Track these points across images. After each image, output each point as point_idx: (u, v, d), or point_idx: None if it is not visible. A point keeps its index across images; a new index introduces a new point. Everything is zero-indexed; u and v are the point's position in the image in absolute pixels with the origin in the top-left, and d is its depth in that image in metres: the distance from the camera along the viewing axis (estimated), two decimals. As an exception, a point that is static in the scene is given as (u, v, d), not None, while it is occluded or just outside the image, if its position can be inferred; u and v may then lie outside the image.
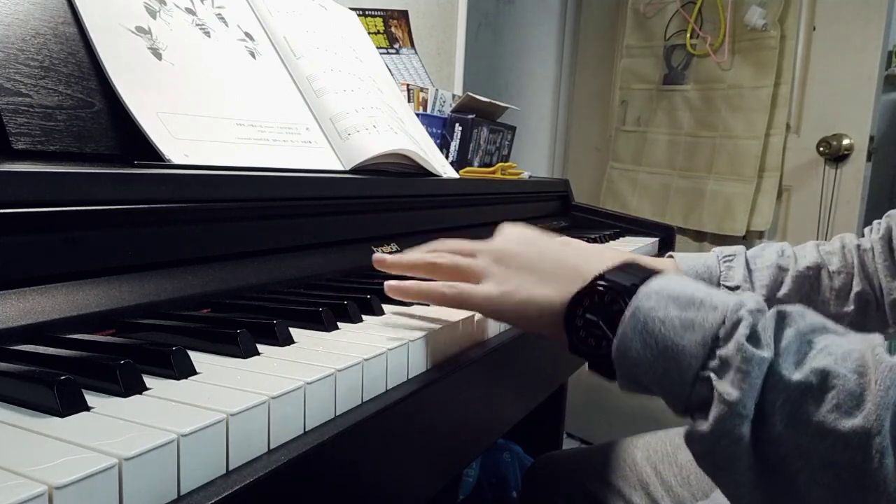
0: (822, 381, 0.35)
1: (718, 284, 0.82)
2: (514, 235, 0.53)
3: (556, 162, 2.52)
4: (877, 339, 0.37)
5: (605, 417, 2.24)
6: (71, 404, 0.31)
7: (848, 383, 0.35)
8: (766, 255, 0.83)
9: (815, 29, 1.91)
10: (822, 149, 1.89)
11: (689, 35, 2.13)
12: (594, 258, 0.48)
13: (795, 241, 0.85)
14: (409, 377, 0.47)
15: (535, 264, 0.48)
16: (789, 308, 0.39)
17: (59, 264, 0.45)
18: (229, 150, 0.65)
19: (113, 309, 0.46)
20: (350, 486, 0.40)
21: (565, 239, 0.53)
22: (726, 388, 0.36)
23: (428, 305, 0.60)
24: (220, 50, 0.73)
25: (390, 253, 0.77)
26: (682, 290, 0.41)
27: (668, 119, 2.21)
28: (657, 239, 1.33)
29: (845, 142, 1.86)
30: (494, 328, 0.61)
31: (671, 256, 0.87)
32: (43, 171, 0.44)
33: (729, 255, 0.84)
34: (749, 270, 0.82)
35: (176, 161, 0.59)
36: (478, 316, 0.57)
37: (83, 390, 0.33)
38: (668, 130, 2.21)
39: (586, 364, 0.46)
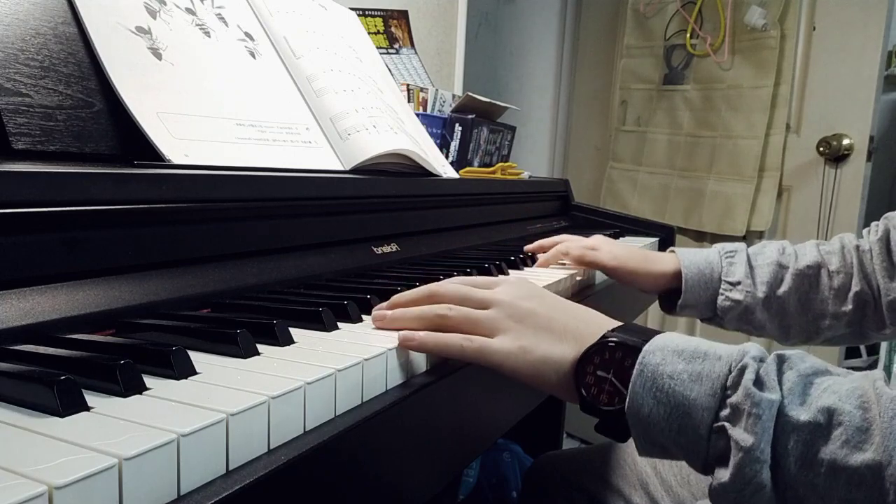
0: (829, 419, 0.36)
1: (720, 280, 0.82)
2: (521, 290, 0.52)
3: (556, 162, 2.52)
4: (877, 373, 0.38)
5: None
6: (71, 404, 0.31)
7: (854, 419, 0.36)
8: (767, 252, 0.83)
9: (814, 29, 1.91)
10: (822, 149, 1.89)
11: (689, 35, 2.13)
12: (593, 319, 0.49)
13: (795, 241, 0.86)
14: (410, 377, 0.47)
15: (548, 321, 0.49)
16: (788, 352, 0.41)
17: (59, 264, 0.44)
18: (229, 150, 0.65)
19: (113, 309, 0.46)
20: (350, 487, 0.40)
21: (554, 296, 0.52)
22: (741, 434, 0.37)
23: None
24: (220, 50, 0.73)
25: (390, 252, 0.77)
26: (686, 343, 0.42)
27: (668, 119, 2.21)
28: (657, 239, 1.33)
29: (845, 142, 1.86)
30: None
31: (673, 251, 0.87)
32: (43, 171, 0.44)
33: (731, 252, 0.84)
34: (750, 267, 0.82)
35: (176, 161, 0.59)
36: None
37: (83, 390, 0.33)
38: (668, 130, 2.21)
39: (594, 429, 0.46)
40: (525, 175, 1.38)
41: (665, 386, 0.40)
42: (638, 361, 0.42)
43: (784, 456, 0.36)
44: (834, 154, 1.87)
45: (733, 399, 0.38)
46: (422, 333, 0.48)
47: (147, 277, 0.50)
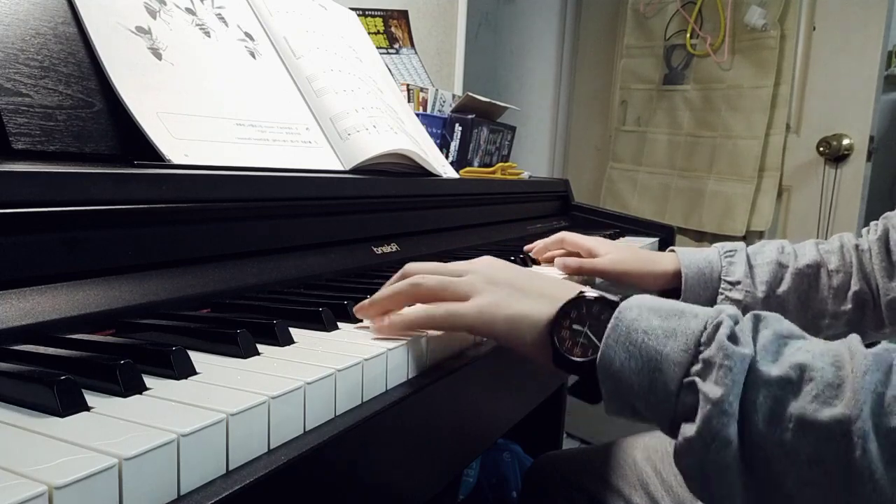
0: (801, 375, 0.35)
1: (719, 279, 0.82)
2: (493, 260, 0.52)
3: (555, 162, 2.52)
4: (854, 337, 0.38)
5: (604, 417, 2.23)
6: (71, 404, 0.31)
7: (826, 374, 0.35)
8: (767, 251, 0.83)
9: (814, 29, 1.91)
10: (821, 149, 1.89)
11: (688, 35, 2.13)
12: (570, 285, 0.49)
13: (795, 241, 0.86)
14: (409, 377, 0.47)
15: (523, 284, 0.49)
16: (765, 313, 0.40)
17: (59, 264, 0.44)
18: (229, 150, 0.65)
19: (113, 309, 0.46)
20: (350, 487, 0.40)
21: (531, 269, 0.53)
22: (710, 387, 0.36)
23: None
24: (220, 50, 0.73)
25: (390, 253, 0.78)
26: (664, 302, 0.42)
27: (668, 119, 2.21)
28: (657, 239, 1.33)
29: (845, 142, 1.86)
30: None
31: (672, 250, 0.87)
32: (43, 171, 0.44)
33: (730, 251, 0.84)
34: (750, 266, 0.82)
35: (176, 161, 0.59)
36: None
37: (83, 390, 0.33)
38: (668, 130, 2.21)
39: (568, 391, 0.46)
40: (525, 175, 1.38)
41: (639, 340, 0.40)
42: (614, 315, 0.41)
43: (752, 411, 0.36)
44: (834, 154, 1.88)
45: (705, 354, 0.37)
46: (388, 317, 0.48)
47: (147, 277, 0.50)
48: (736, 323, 0.39)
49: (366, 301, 0.51)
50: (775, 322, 0.39)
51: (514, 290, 0.48)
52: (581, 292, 0.45)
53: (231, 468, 0.32)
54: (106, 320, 0.45)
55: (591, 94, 2.44)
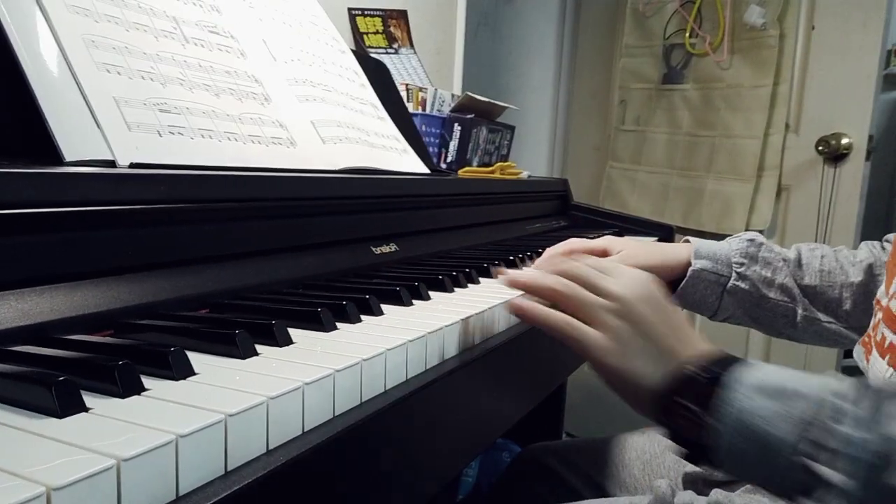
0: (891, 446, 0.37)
1: (730, 264, 0.82)
2: (640, 289, 0.51)
3: (555, 161, 2.52)
4: None
5: (604, 417, 2.24)
6: (69, 405, 0.31)
7: None
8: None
9: (814, 28, 1.91)
10: (821, 148, 1.89)
11: (688, 34, 2.13)
12: (690, 341, 0.49)
13: (794, 240, 0.86)
14: (408, 377, 0.47)
15: (653, 334, 0.49)
16: (880, 385, 0.40)
17: (57, 265, 0.44)
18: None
19: (111, 309, 0.46)
20: (350, 487, 0.40)
21: (665, 304, 0.52)
22: (826, 472, 0.38)
23: (427, 300, 0.60)
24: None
25: (388, 252, 0.78)
26: (768, 378, 0.42)
27: (667, 118, 2.21)
28: (656, 238, 1.33)
29: (844, 141, 1.86)
30: (491, 329, 0.61)
31: (687, 240, 0.87)
32: (42, 171, 0.44)
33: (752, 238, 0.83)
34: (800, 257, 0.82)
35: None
36: (474, 319, 0.57)
37: (81, 391, 0.33)
38: (667, 130, 2.21)
39: (682, 457, 0.47)
40: (524, 175, 1.38)
41: (746, 423, 0.41)
42: (719, 397, 0.42)
43: (867, 491, 0.37)
44: (833, 153, 1.87)
45: (814, 435, 0.39)
46: (530, 304, 0.50)
47: (145, 278, 0.50)
48: (844, 398, 0.39)
49: (512, 273, 0.54)
50: (876, 393, 0.40)
51: (640, 337, 0.48)
52: (695, 369, 0.45)
53: (230, 469, 0.32)
54: (104, 321, 0.45)
55: (590, 94, 2.44)
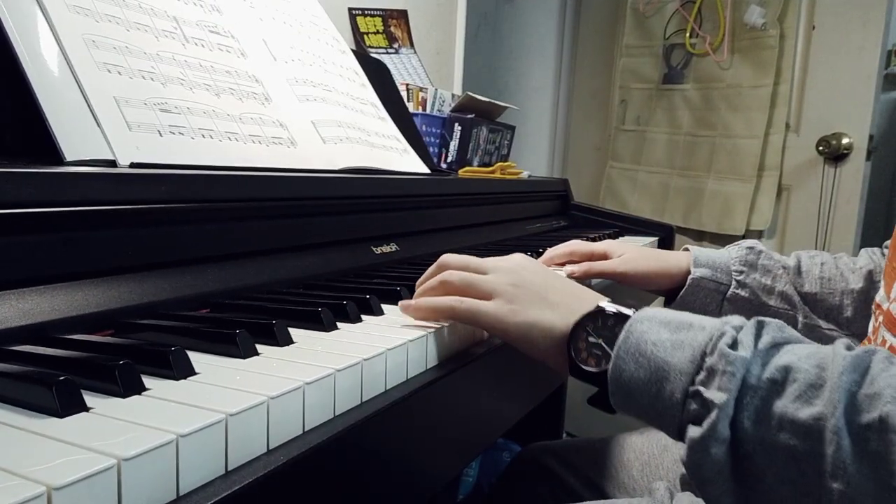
0: (785, 376, 0.37)
1: (730, 273, 0.82)
2: (522, 261, 0.55)
3: (555, 161, 2.52)
4: (841, 342, 0.39)
5: (604, 417, 2.24)
6: (70, 405, 0.31)
7: (808, 376, 0.37)
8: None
9: (814, 28, 1.91)
10: (821, 148, 1.89)
11: (688, 34, 2.13)
12: (588, 296, 0.51)
13: (795, 239, 0.86)
14: (409, 377, 0.47)
15: (543, 290, 0.51)
16: (768, 320, 0.42)
17: (58, 265, 0.44)
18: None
19: (112, 309, 0.46)
20: (350, 487, 0.40)
21: (555, 273, 0.56)
22: (714, 393, 0.38)
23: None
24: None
25: (389, 252, 0.78)
26: (674, 315, 0.44)
27: (667, 118, 2.21)
28: (656, 238, 1.33)
29: (845, 141, 1.86)
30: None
31: (687, 249, 0.86)
32: (42, 171, 0.44)
33: (751, 247, 0.83)
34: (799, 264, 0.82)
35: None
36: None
37: (82, 391, 0.33)
38: (667, 130, 2.21)
39: (587, 401, 0.48)
40: (524, 175, 1.38)
41: (647, 352, 0.42)
42: (625, 328, 0.43)
43: (741, 411, 0.37)
44: (833, 153, 1.88)
45: (709, 363, 0.39)
46: (419, 300, 0.52)
47: (146, 278, 0.50)
48: (738, 330, 0.40)
49: (409, 301, 0.55)
50: (775, 329, 0.41)
51: (533, 296, 0.50)
52: (599, 305, 0.47)
53: (230, 468, 0.32)
54: (105, 320, 0.45)
55: (590, 94, 2.44)
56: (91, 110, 0.56)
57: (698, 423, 0.39)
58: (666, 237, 1.35)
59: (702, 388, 0.39)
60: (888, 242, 0.81)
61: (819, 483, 0.35)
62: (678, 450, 0.46)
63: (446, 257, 0.56)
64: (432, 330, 0.50)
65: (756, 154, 1.99)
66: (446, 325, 0.52)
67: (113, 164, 0.55)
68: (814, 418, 0.35)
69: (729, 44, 2.03)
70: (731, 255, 0.83)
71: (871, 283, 0.79)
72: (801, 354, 0.38)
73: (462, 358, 0.53)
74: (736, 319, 0.42)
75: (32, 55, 0.55)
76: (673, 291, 0.84)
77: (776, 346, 0.40)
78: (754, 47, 1.99)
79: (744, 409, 0.37)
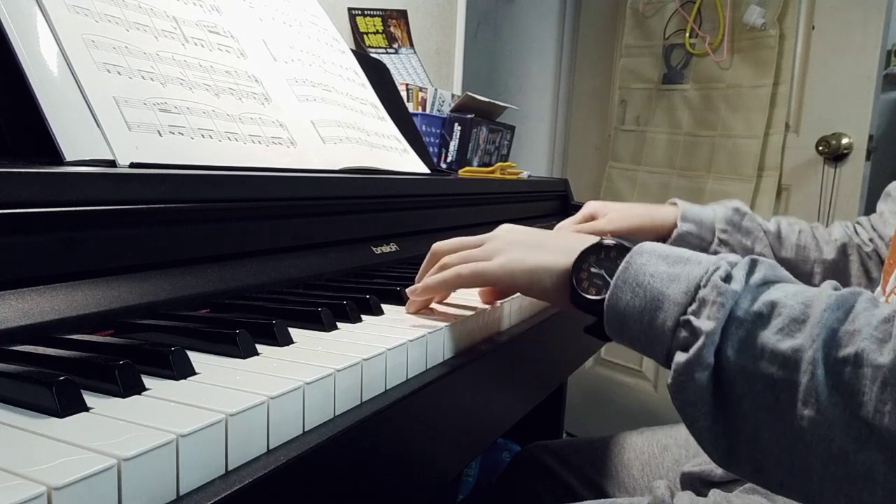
0: (771, 310, 0.39)
1: (713, 230, 0.84)
2: (511, 225, 0.58)
3: (555, 161, 2.52)
4: (830, 282, 0.41)
5: (604, 417, 2.24)
6: (70, 405, 0.31)
7: (793, 311, 0.38)
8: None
9: (814, 28, 1.91)
10: (821, 148, 1.89)
11: (688, 34, 2.13)
12: (585, 237, 0.52)
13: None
14: (409, 377, 0.47)
15: (542, 240, 0.53)
16: (762, 259, 0.43)
17: (57, 264, 0.44)
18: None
19: (112, 309, 0.46)
20: (350, 486, 0.40)
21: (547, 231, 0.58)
22: (703, 322, 0.40)
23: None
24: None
25: (389, 252, 0.78)
26: (673, 250, 0.45)
27: (667, 118, 2.21)
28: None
29: (844, 141, 1.86)
30: (492, 328, 0.61)
31: (674, 203, 0.88)
32: (42, 171, 0.44)
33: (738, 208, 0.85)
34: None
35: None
36: (474, 319, 0.57)
37: (82, 391, 0.33)
38: (667, 130, 2.21)
39: (582, 329, 0.50)
40: (524, 175, 1.38)
41: (644, 282, 0.43)
42: (625, 259, 0.45)
43: (725, 339, 0.39)
44: (833, 153, 1.87)
45: (701, 293, 0.41)
46: (421, 283, 0.54)
47: (146, 277, 0.50)
48: (733, 266, 0.42)
49: (411, 296, 0.56)
50: (768, 268, 0.43)
51: (534, 246, 0.52)
52: (600, 239, 0.49)
53: (230, 469, 0.32)
54: (105, 321, 0.45)
55: (590, 94, 2.44)
56: (91, 110, 0.56)
57: (686, 349, 0.40)
58: (666, 237, 1.35)
59: (692, 317, 0.40)
60: (861, 218, 0.85)
61: (792, 409, 0.36)
62: (678, 449, 0.46)
63: (438, 245, 0.58)
64: (432, 330, 0.50)
65: (756, 154, 1.99)
66: (447, 324, 0.52)
67: (112, 164, 0.55)
68: (793, 349, 0.37)
69: (728, 44, 2.03)
70: (716, 213, 0.86)
71: (843, 255, 0.83)
72: (789, 292, 0.40)
73: (462, 358, 0.53)
74: (732, 256, 0.43)
75: (32, 55, 0.55)
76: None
77: (766, 284, 0.41)
78: (754, 47, 1.99)
79: (728, 338, 0.39)
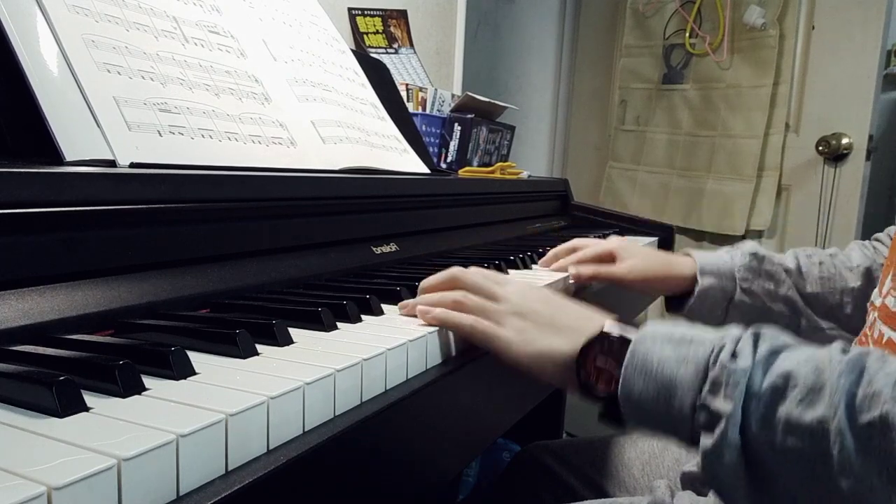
0: (786, 382, 0.39)
1: (734, 278, 0.83)
2: (528, 291, 0.56)
3: (555, 161, 2.52)
4: (837, 344, 0.41)
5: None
6: (70, 405, 0.31)
7: (808, 380, 0.38)
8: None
9: (814, 28, 1.91)
10: (821, 148, 1.89)
11: (688, 34, 2.13)
12: (594, 317, 0.53)
13: (794, 240, 0.87)
14: (409, 377, 0.47)
15: (548, 317, 0.53)
16: (764, 328, 0.44)
17: (58, 264, 0.44)
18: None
19: (112, 309, 0.46)
20: (349, 486, 0.40)
21: (558, 298, 0.57)
22: (721, 403, 0.40)
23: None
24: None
25: (389, 252, 0.78)
26: (675, 330, 0.45)
27: (667, 118, 2.21)
28: (656, 238, 1.33)
29: (844, 141, 1.86)
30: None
31: (688, 254, 0.87)
32: (42, 171, 0.44)
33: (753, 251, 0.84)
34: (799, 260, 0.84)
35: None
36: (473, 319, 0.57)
37: (82, 391, 0.33)
38: (667, 130, 2.21)
39: (598, 418, 0.50)
40: (524, 174, 1.38)
41: (653, 370, 0.44)
42: (629, 349, 0.45)
43: (747, 417, 0.39)
44: (833, 153, 1.88)
45: (712, 375, 0.41)
46: (439, 309, 0.53)
47: (146, 278, 0.50)
48: (737, 342, 0.42)
49: (411, 301, 0.57)
50: (772, 337, 0.43)
51: (542, 325, 0.52)
52: (603, 329, 0.49)
53: (230, 469, 0.32)
54: (105, 321, 0.45)
55: (590, 94, 2.44)
56: (91, 110, 0.56)
57: (710, 430, 0.40)
58: (666, 237, 1.35)
59: (708, 399, 0.41)
60: (879, 235, 0.82)
61: (829, 481, 0.36)
62: (678, 448, 0.47)
63: (459, 273, 0.57)
64: (432, 330, 0.50)
65: (756, 154, 1.99)
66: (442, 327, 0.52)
67: (112, 164, 0.55)
68: (818, 420, 0.37)
69: (728, 44, 2.03)
70: (734, 261, 0.84)
71: (868, 280, 0.81)
72: (799, 359, 0.40)
73: (462, 358, 0.53)
74: (734, 330, 0.44)
75: (32, 55, 0.55)
76: (677, 294, 0.85)
77: (774, 353, 0.41)
78: (754, 47, 1.99)
79: (751, 415, 0.39)
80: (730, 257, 0.85)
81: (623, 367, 0.45)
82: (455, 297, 0.55)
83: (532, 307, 0.54)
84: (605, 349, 0.48)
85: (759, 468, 0.39)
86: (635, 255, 0.85)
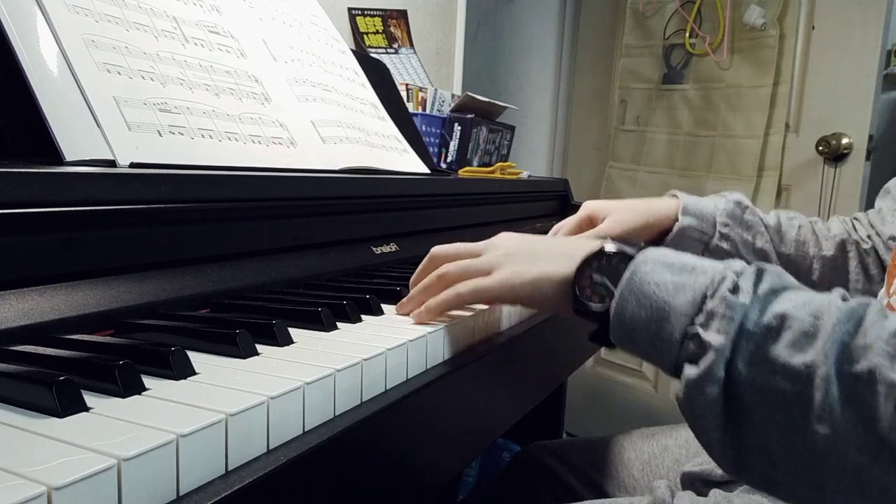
0: (781, 323, 0.38)
1: (714, 224, 0.83)
2: (509, 234, 0.56)
3: (555, 161, 2.52)
4: (838, 290, 0.40)
5: (604, 417, 2.24)
6: (70, 405, 0.31)
7: (803, 324, 0.38)
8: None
9: (814, 28, 1.91)
10: (821, 148, 1.89)
11: (688, 34, 2.13)
12: (584, 242, 0.52)
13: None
14: (409, 377, 0.47)
15: (541, 248, 0.52)
16: (768, 266, 0.43)
17: (58, 265, 0.44)
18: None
19: (112, 309, 0.46)
20: (349, 487, 0.40)
21: (545, 237, 0.57)
22: (713, 336, 0.39)
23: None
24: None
25: (389, 252, 0.78)
26: (677, 257, 0.44)
27: (667, 118, 2.21)
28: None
29: (844, 141, 1.86)
30: (492, 329, 0.61)
31: (674, 195, 0.87)
32: (42, 171, 0.44)
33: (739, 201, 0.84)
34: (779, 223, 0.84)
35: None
36: (474, 318, 0.57)
37: (82, 391, 0.33)
38: (667, 130, 2.21)
39: (587, 338, 0.49)
40: (524, 174, 1.38)
41: (650, 292, 0.43)
42: (629, 268, 0.44)
43: (736, 354, 0.39)
44: (833, 153, 1.87)
45: (709, 306, 0.40)
46: (423, 306, 0.53)
47: (146, 278, 0.50)
48: (739, 276, 0.41)
49: (404, 299, 0.56)
50: (774, 276, 0.42)
51: (533, 256, 0.51)
52: (601, 246, 0.48)
53: (230, 468, 0.32)
54: (105, 320, 0.45)
55: (590, 94, 2.44)
56: (91, 110, 0.56)
57: (695, 362, 0.40)
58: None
59: (700, 330, 0.40)
60: (858, 214, 0.84)
61: (805, 425, 0.36)
62: (678, 448, 0.46)
63: (436, 249, 0.57)
64: (432, 330, 0.50)
65: (756, 154, 1.99)
66: (446, 324, 0.52)
67: (112, 164, 0.55)
68: (805, 365, 0.36)
69: (728, 44, 2.03)
70: (718, 206, 0.84)
71: (842, 251, 0.83)
72: (797, 302, 0.39)
73: (462, 357, 0.53)
74: (737, 264, 0.43)
75: (32, 55, 0.55)
76: (659, 238, 0.86)
77: (774, 293, 0.41)
78: (754, 47, 1.99)
79: (739, 352, 0.38)
80: (714, 204, 0.85)
81: (619, 286, 0.44)
82: (438, 272, 0.54)
83: (517, 245, 0.53)
84: (602, 265, 0.47)
85: (737, 405, 0.39)
86: (615, 210, 0.85)
